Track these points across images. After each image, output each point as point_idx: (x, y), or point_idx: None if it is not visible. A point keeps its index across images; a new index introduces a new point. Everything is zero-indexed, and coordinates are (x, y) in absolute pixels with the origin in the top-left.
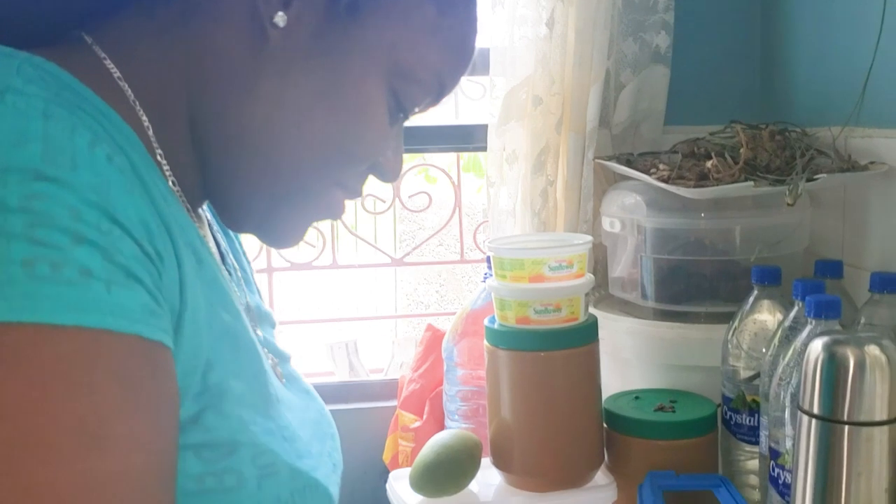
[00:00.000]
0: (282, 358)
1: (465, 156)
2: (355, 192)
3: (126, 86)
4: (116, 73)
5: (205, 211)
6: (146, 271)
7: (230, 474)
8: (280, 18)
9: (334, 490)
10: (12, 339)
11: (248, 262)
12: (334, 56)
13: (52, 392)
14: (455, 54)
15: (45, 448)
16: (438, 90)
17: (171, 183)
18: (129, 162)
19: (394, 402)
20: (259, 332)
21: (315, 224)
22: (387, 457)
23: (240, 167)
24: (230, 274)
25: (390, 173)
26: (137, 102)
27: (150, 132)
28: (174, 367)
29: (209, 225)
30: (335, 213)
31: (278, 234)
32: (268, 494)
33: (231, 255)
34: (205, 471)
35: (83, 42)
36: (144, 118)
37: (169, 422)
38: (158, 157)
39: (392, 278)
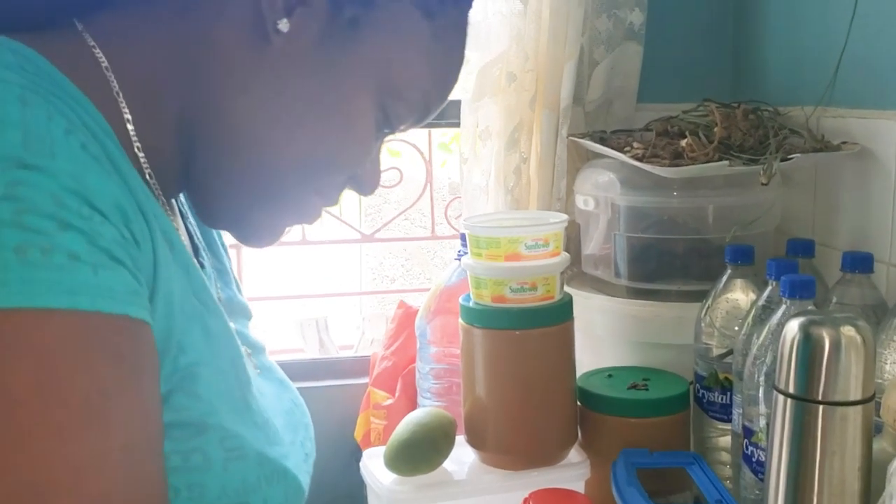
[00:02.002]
0: (256, 349)
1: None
2: (332, 201)
3: (112, 76)
4: (104, 63)
5: (180, 203)
6: (126, 254)
7: (197, 454)
8: (283, 24)
9: (304, 479)
10: (13, 325)
11: (227, 255)
12: (331, 66)
13: (56, 373)
14: (442, 78)
15: (55, 427)
16: (424, 110)
17: (147, 175)
18: (103, 149)
19: (365, 380)
20: (233, 324)
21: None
22: (358, 434)
23: (223, 164)
24: (202, 266)
25: (368, 186)
26: (121, 94)
27: (130, 125)
28: (154, 342)
29: (182, 216)
30: (311, 218)
31: (252, 233)
32: (233, 477)
33: (206, 248)
34: (172, 449)
35: (73, 28)
36: (126, 110)
37: (156, 394)
38: (136, 150)
39: (357, 253)
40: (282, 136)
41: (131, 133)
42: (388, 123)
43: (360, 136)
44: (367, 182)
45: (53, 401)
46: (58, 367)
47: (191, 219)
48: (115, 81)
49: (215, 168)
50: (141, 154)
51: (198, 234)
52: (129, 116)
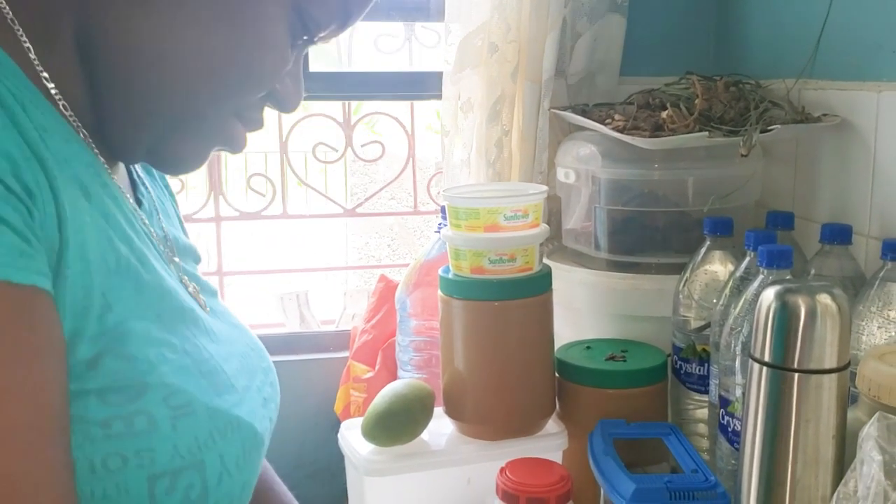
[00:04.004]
0: (207, 291)
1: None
2: (254, 123)
3: (3, 2)
4: None
5: None
6: (12, 209)
7: (140, 417)
8: None
9: (262, 425)
10: None
11: (170, 192)
12: None
13: None
14: None
15: None
16: (343, 13)
17: (61, 107)
18: None
19: (345, 354)
20: (177, 259)
21: (264, 173)
22: (338, 407)
23: (128, 88)
24: (140, 203)
25: (289, 102)
26: (16, 21)
27: (32, 54)
28: (54, 310)
29: None
30: (236, 144)
31: (171, 162)
32: (184, 435)
33: (145, 183)
34: (111, 415)
35: None
36: (24, 38)
37: (50, 371)
38: (44, 81)
39: (343, 232)
40: (187, 51)
41: (34, 62)
42: (306, 29)
43: (273, 43)
44: (287, 98)
45: None
46: None
47: None
48: (6, 7)
49: (122, 93)
50: (51, 84)
51: (137, 168)
52: (28, 45)
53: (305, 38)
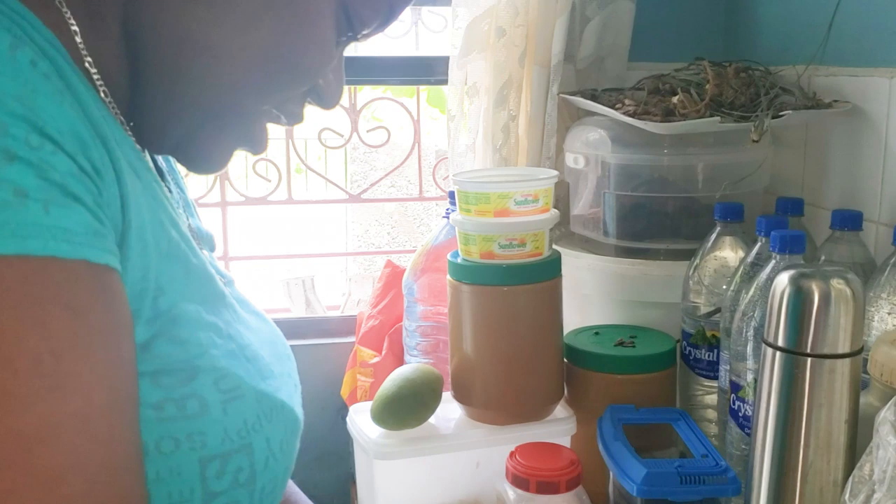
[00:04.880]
0: (227, 280)
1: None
2: (295, 118)
3: None
4: None
5: None
6: (85, 188)
7: (192, 400)
8: None
9: (299, 410)
10: None
11: (183, 182)
12: None
13: (1, 332)
14: None
15: (1, 394)
16: (388, 11)
17: (101, 93)
18: (54, 67)
19: (352, 339)
20: (205, 252)
21: (270, 158)
22: (345, 392)
23: (174, 79)
24: (170, 192)
25: (330, 98)
26: (64, 3)
27: (78, 37)
28: (124, 289)
29: None
30: (259, 145)
31: (198, 157)
32: (234, 419)
33: (167, 169)
34: (164, 397)
35: None
36: (72, 21)
37: (125, 350)
38: (87, 65)
39: (343, 219)
40: (236, 43)
41: (80, 46)
42: (351, 26)
43: (320, 39)
44: (328, 94)
45: None
46: (2, 324)
47: None
48: None
49: (166, 83)
50: (93, 70)
51: (161, 159)
52: (76, 28)
53: (350, 34)
